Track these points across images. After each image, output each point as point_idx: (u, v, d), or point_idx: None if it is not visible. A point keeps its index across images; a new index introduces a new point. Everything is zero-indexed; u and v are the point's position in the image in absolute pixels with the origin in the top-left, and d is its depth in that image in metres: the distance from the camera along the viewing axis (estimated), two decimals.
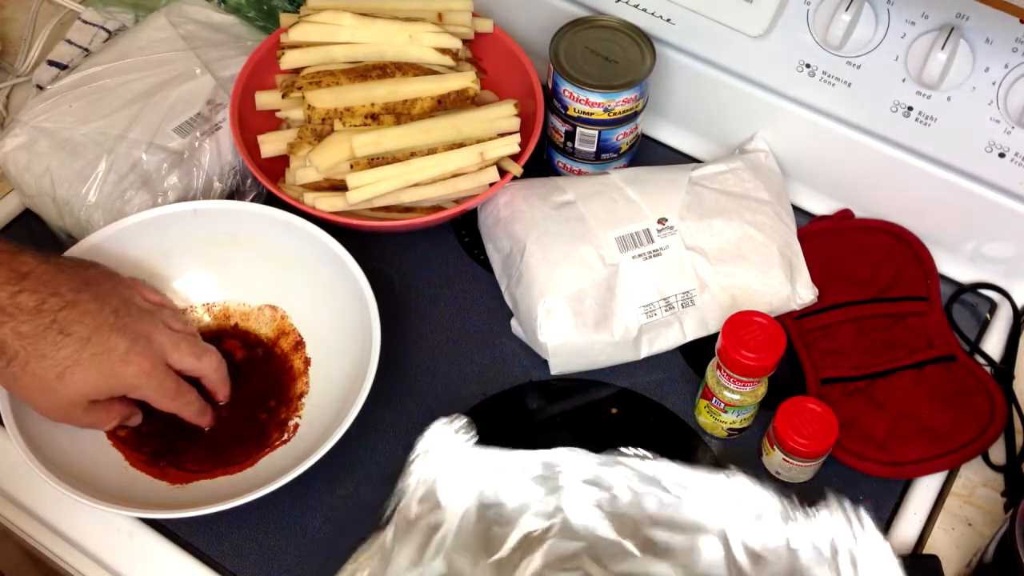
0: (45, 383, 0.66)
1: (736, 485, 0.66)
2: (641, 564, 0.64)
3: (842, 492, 0.76)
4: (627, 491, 0.67)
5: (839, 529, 0.63)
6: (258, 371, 0.80)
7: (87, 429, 0.73)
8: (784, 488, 0.66)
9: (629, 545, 0.65)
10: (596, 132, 0.88)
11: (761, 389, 0.75)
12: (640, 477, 0.67)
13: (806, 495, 0.67)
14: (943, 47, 0.75)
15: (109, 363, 0.67)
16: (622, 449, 0.68)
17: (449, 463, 0.66)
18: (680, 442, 0.79)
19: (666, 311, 0.80)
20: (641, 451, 0.68)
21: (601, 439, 0.70)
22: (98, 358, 0.67)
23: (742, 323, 0.73)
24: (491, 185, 0.82)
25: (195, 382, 0.75)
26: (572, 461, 0.67)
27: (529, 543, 0.65)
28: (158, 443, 0.75)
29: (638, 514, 0.66)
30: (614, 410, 0.80)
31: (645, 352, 0.81)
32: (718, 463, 0.77)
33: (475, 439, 0.67)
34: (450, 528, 0.64)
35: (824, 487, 0.68)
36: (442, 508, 0.65)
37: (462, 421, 0.68)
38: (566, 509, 0.66)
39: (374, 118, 0.84)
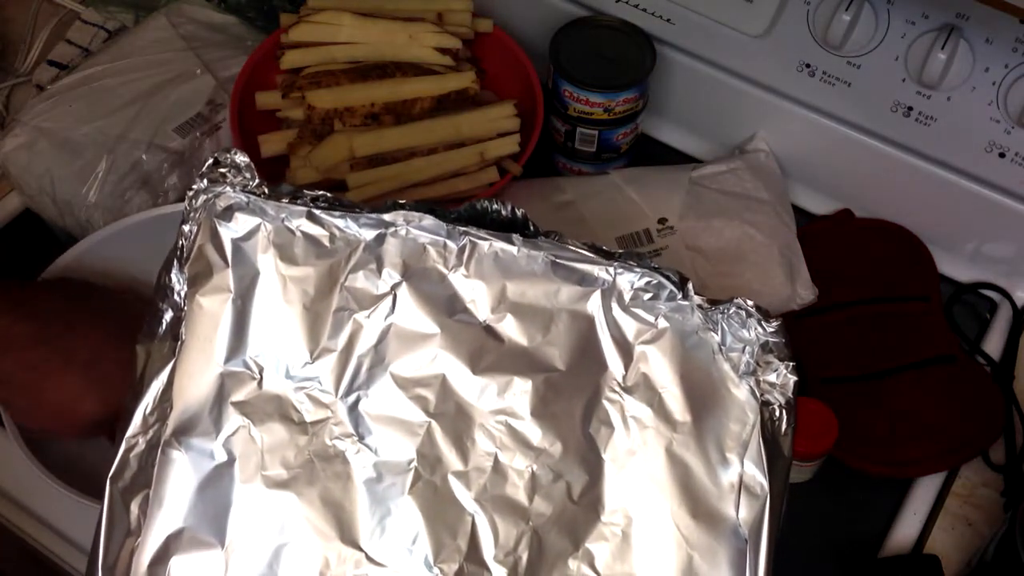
0: (61, 410, 0.65)
1: None
2: None
3: (842, 492, 0.77)
4: None
5: None
6: None
7: None
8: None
9: None
10: (596, 132, 0.87)
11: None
12: None
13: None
14: (943, 47, 0.75)
15: (114, 383, 0.65)
16: None
17: None
18: None
19: None
20: None
21: None
22: (104, 380, 0.65)
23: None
24: (491, 185, 0.82)
25: None
26: None
27: None
28: None
29: None
30: None
31: None
32: None
33: None
34: None
35: None
36: None
37: None
38: None
39: (374, 118, 0.84)
